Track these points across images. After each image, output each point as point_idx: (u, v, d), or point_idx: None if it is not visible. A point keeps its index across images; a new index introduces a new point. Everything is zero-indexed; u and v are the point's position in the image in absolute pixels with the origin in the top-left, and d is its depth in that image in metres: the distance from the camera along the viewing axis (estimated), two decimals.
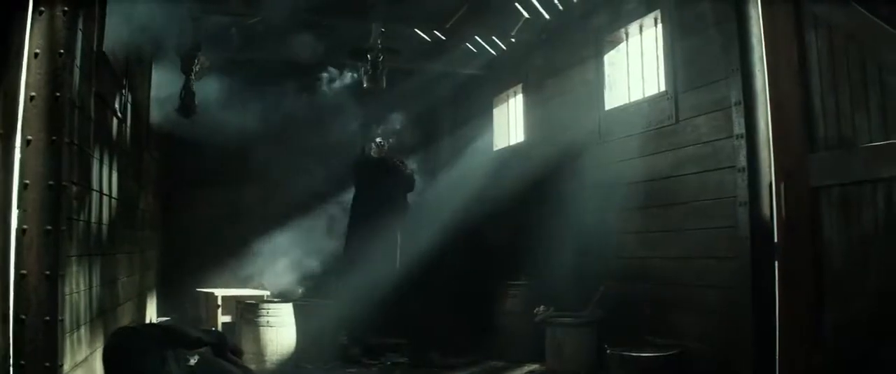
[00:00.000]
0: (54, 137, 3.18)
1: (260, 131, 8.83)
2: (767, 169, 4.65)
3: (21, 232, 3.11)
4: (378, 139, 8.35)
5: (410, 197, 8.51)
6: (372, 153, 8.34)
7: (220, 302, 8.12)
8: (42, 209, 3.13)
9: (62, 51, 3.23)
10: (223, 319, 8.04)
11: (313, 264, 8.88)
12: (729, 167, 5.16)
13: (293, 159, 9.26)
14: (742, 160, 4.93)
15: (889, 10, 3.63)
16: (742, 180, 4.92)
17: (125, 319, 5.75)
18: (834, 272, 3.93)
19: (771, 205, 4.45)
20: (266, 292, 8.59)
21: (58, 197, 3.17)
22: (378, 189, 8.20)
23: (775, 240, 4.36)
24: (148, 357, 4.10)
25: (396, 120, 8.62)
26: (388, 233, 7.91)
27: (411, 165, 8.78)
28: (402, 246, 8.01)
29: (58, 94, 3.20)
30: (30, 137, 3.14)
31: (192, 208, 9.32)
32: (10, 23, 3.06)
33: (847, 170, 3.84)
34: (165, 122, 7.52)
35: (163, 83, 7.25)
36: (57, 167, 3.18)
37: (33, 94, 3.16)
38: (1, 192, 2.96)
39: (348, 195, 8.58)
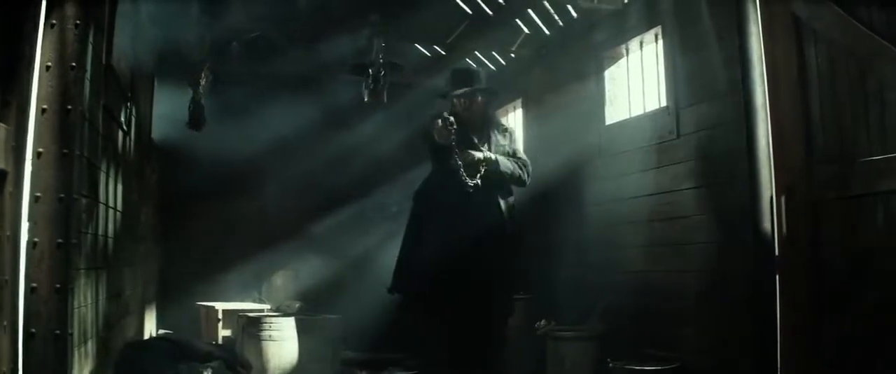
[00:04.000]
0: (65, 150, 3.19)
1: (260, 145, 8.83)
2: (768, 184, 4.67)
3: (32, 245, 3.11)
4: (443, 115, 5.24)
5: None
6: (436, 139, 5.29)
7: (220, 316, 8.08)
8: (53, 222, 3.14)
9: (74, 64, 3.25)
10: (224, 333, 8.00)
11: (314, 278, 8.87)
12: (729, 182, 5.20)
13: (294, 173, 9.23)
14: (742, 175, 4.97)
15: (887, 26, 3.68)
16: (742, 195, 4.96)
17: (129, 332, 5.76)
18: (834, 286, 3.96)
19: (771, 219, 4.48)
20: (266, 306, 8.57)
21: (68, 210, 3.18)
22: (452, 190, 5.43)
23: (776, 254, 4.41)
24: (160, 371, 4.12)
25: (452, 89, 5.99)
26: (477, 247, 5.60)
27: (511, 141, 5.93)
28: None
29: (69, 107, 3.21)
30: (41, 150, 3.15)
31: (192, 221, 9.26)
32: (21, 35, 3.06)
33: (847, 184, 3.88)
34: (167, 134, 7.54)
35: (164, 96, 7.30)
36: (68, 180, 3.18)
37: (45, 107, 3.17)
38: (12, 205, 2.95)
39: (350, 208, 8.48)
